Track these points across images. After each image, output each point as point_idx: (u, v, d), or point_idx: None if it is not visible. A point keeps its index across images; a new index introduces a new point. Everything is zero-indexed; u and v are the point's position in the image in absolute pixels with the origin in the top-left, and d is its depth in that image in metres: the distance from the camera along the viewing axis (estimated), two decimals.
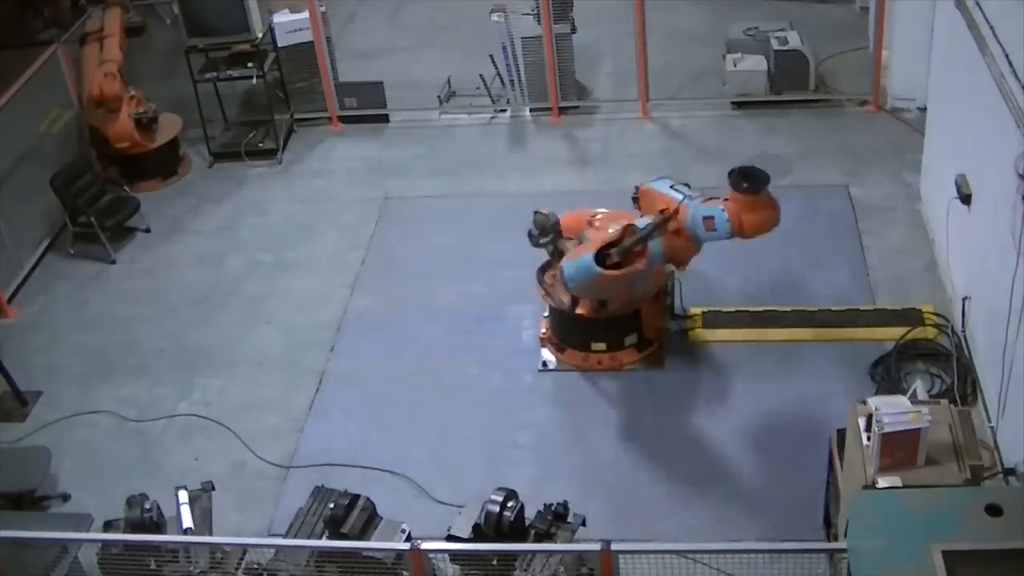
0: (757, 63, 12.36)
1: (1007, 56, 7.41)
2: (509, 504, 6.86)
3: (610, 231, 8.34)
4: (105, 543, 7.10)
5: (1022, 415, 7.42)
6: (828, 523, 7.31)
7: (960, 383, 8.62)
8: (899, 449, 6.06)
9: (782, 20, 12.82)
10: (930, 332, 9.17)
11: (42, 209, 11.53)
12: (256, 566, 6.98)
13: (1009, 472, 7.53)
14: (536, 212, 9.00)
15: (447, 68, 13.47)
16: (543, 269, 9.30)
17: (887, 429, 6.01)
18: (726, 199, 8.05)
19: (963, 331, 8.97)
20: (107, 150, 12.23)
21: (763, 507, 7.92)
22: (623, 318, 9.09)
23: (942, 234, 9.54)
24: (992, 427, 8.10)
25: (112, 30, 12.18)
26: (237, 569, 7.06)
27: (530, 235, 9.02)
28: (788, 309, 9.61)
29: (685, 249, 8.49)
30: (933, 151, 10.31)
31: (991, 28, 7.80)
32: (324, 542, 7.05)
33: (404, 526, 7.18)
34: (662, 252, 8.39)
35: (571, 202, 9.66)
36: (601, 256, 8.18)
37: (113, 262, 11.29)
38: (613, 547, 6.08)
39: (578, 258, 8.31)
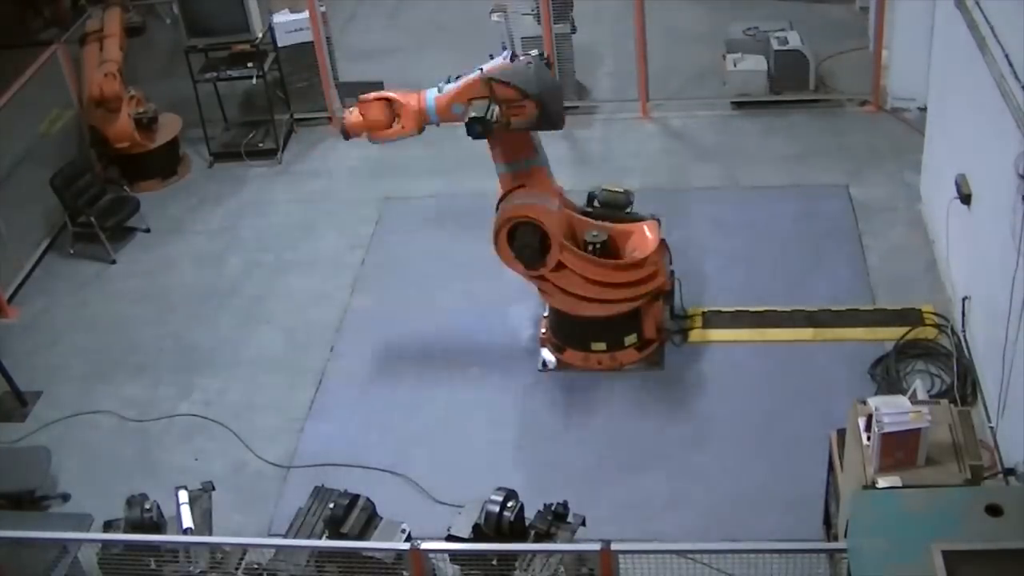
0: (757, 63, 12.35)
1: (1007, 56, 7.41)
2: (509, 504, 6.86)
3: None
4: (105, 543, 7.09)
5: (1022, 415, 7.43)
6: (828, 523, 7.31)
7: (960, 383, 8.62)
8: (899, 449, 6.06)
9: (782, 20, 12.79)
10: (930, 332, 9.17)
11: (42, 209, 11.53)
12: (256, 566, 6.97)
13: (1009, 472, 7.53)
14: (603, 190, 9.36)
15: (447, 68, 13.41)
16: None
17: (887, 429, 6.01)
18: None
19: (963, 331, 8.97)
20: (107, 150, 12.22)
21: (763, 507, 7.91)
22: (623, 318, 9.09)
23: (942, 234, 9.53)
24: (992, 427, 8.09)
25: (112, 30, 12.17)
26: (237, 569, 7.06)
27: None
28: (788, 309, 9.61)
29: None
30: (933, 151, 10.30)
31: (991, 28, 7.80)
32: (324, 542, 7.04)
33: (404, 526, 7.18)
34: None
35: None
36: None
37: (113, 262, 11.29)
38: (613, 547, 6.08)
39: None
